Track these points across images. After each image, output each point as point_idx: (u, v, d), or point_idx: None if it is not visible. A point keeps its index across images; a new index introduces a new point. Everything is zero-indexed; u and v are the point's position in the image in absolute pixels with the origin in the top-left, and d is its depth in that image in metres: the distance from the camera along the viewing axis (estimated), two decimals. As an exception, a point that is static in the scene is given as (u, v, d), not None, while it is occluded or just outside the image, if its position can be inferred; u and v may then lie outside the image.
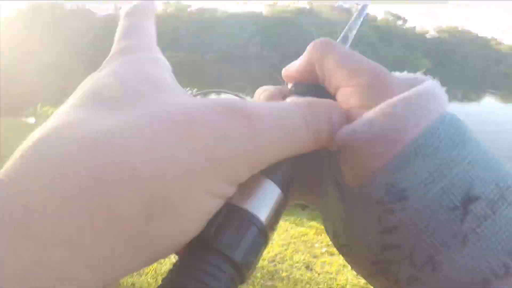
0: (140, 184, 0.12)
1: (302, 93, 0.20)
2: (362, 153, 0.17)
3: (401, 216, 0.15)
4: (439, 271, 0.15)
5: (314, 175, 0.21)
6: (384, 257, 0.16)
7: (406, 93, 0.16)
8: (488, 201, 0.15)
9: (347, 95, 0.18)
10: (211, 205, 0.15)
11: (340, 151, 0.18)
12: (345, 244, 0.19)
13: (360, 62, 0.18)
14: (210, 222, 0.14)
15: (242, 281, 0.15)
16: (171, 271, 0.14)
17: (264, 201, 0.15)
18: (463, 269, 0.15)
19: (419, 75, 0.20)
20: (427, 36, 34.96)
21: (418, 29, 36.61)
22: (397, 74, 0.21)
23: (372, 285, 0.18)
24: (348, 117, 0.18)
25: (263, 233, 0.15)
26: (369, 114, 0.16)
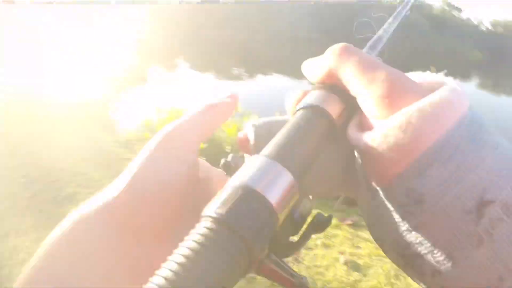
0: None
1: (327, 89, 0.21)
2: (380, 160, 0.18)
3: (420, 217, 0.17)
4: (458, 267, 0.16)
5: (353, 170, 0.22)
6: (410, 252, 0.17)
7: (421, 103, 0.17)
8: (502, 204, 0.15)
9: (365, 102, 0.19)
10: None
11: (363, 154, 0.19)
12: (377, 238, 0.20)
13: (377, 70, 0.19)
14: (223, 201, 0.15)
15: (252, 260, 0.14)
16: (181, 245, 0.14)
17: (275, 185, 0.16)
18: (480, 267, 0.15)
19: (440, 76, 0.20)
20: (482, 28, 35.02)
21: (473, 21, 36.29)
22: (418, 74, 0.21)
23: (405, 274, 0.20)
24: (367, 124, 0.19)
25: (273, 215, 0.15)
26: (385, 125, 0.17)
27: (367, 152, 0.18)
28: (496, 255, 0.15)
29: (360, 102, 0.19)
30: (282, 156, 0.17)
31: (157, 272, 0.13)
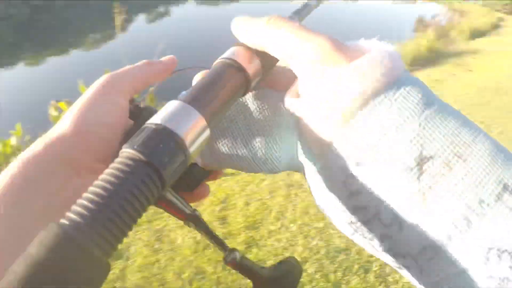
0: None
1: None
2: (316, 121, 0.18)
3: (361, 180, 0.16)
4: (405, 228, 0.16)
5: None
6: (356, 218, 0.17)
7: (371, 54, 0.17)
8: (442, 159, 0.15)
9: (305, 62, 0.18)
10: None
11: (299, 120, 0.19)
12: (324, 207, 0.20)
13: (315, 33, 0.19)
14: (139, 137, 0.15)
15: (163, 186, 0.15)
16: (102, 174, 0.15)
17: (186, 123, 0.17)
18: (427, 225, 0.15)
19: (374, 40, 0.20)
20: None
21: None
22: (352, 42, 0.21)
23: (357, 243, 0.19)
24: (304, 92, 0.19)
25: (182, 147, 0.16)
26: (340, 71, 0.17)
27: (309, 110, 0.18)
28: (442, 210, 0.15)
29: (296, 64, 0.19)
30: (194, 101, 0.18)
31: (78, 199, 0.13)
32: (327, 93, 0.17)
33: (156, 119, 0.17)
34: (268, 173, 0.24)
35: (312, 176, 0.20)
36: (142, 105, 0.25)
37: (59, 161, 0.21)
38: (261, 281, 0.24)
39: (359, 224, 0.18)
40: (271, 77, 0.24)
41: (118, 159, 0.15)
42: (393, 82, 0.17)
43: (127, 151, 0.15)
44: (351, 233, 0.19)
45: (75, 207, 0.13)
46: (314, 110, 0.18)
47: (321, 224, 1.95)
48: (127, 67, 0.25)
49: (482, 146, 0.16)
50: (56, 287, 0.11)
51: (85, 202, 0.13)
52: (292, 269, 0.25)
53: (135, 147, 0.15)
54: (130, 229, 0.14)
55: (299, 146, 0.22)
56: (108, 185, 0.13)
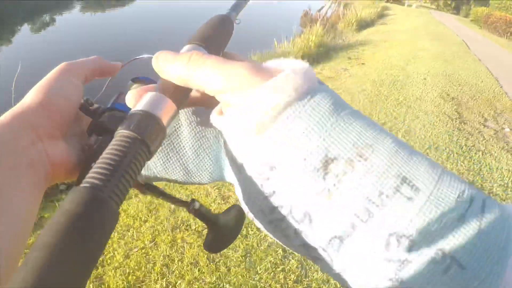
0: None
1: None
2: (236, 135, 0.20)
3: (276, 182, 0.18)
4: (314, 222, 0.18)
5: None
6: (274, 216, 0.19)
7: (282, 74, 0.19)
8: (345, 160, 0.17)
9: (227, 93, 0.20)
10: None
11: (223, 135, 0.22)
12: (249, 209, 0.22)
13: (231, 62, 0.20)
14: (130, 120, 0.19)
15: (150, 157, 0.19)
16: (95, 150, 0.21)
17: (160, 107, 0.20)
18: (333, 218, 0.17)
19: (285, 61, 0.21)
20: None
21: None
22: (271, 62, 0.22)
23: (279, 241, 0.21)
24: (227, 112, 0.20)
25: (160, 122, 0.20)
26: (255, 92, 0.19)
27: (230, 126, 0.20)
28: (345, 204, 0.17)
29: (221, 94, 0.20)
30: (165, 91, 0.21)
31: (92, 168, 0.16)
32: (244, 110, 0.19)
33: (140, 107, 0.20)
34: (198, 185, 0.29)
35: (237, 183, 0.23)
36: (93, 103, 0.29)
37: (25, 127, 0.23)
38: (214, 224, 0.31)
39: (277, 222, 0.20)
40: (202, 96, 0.25)
41: (119, 138, 0.18)
42: (304, 95, 0.19)
43: (124, 132, 0.18)
44: (272, 232, 0.21)
45: (93, 173, 0.16)
46: (234, 125, 0.20)
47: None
48: (81, 59, 0.29)
49: (383, 145, 0.18)
50: (88, 234, 0.14)
51: (100, 170, 0.16)
52: (238, 213, 0.32)
53: (131, 128, 0.19)
54: (130, 187, 0.17)
55: (225, 158, 0.26)
56: (115, 157, 0.17)
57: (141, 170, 0.19)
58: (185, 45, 0.24)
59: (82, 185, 0.16)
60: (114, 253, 1.90)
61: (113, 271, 1.76)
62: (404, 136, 3.05)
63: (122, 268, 1.80)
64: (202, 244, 1.88)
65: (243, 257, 1.81)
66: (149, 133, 0.19)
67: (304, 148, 0.18)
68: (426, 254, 0.16)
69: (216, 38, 0.25)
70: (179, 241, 1.94)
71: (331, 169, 0.17)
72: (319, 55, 5.74)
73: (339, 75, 4.79)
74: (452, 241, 0.16)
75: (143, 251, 1.90)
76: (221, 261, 1.79)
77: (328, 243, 0.18)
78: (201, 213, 0.29)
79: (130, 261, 1.84)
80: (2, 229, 0.20)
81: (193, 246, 1.89)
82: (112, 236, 1.96)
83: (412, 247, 0.16)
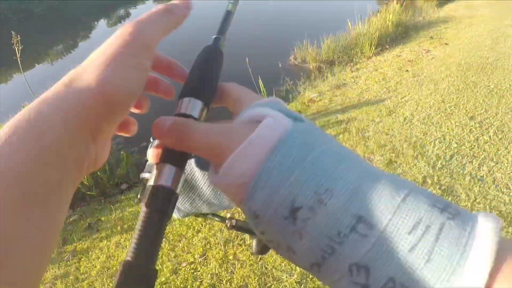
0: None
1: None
2: (227, 193, 0.24)
3: (260, 226, 0.22)
4: (296, 254, 0.22)
5: None
6: (271, 245, 0.24)
7: (237, 151, 0.22)
8: (308, 207, 0.20)
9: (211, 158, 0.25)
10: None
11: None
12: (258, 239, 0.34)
13: (208, 134, 0.24)
14: (148, 197, 0.23)
15: (169, 218, 0.24)
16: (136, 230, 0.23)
17: (169, 177, 0.24)
18: (306, 252, 0.21)
19: (266, 109, 0.24)
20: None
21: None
22: (253, 106, 0.26)
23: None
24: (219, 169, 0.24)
25: (173, 193, 0.24)
26: (217, 176, 0.23)
27: (221, 185, 0.24)
28: (314, 242, 0.20)
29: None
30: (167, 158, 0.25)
31: (128, 252, 0.21)
32: (227, 178, 0.23)
33: (155, 181, 0.24)
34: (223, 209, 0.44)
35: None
36: None
37: (84, 130, 0.23)
38: (253, 232, 0.42)
39: (275, 249, 0.24)
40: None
41: (146, 214, 0.23)
42: (272, 152, 0.22)
43: (147, 210, 0.23)
44: (280, 253, 0.24)
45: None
46: (223, 186, 0.24)
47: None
48: (147, 16, 0.26)
49: (342, 186, 0.20)
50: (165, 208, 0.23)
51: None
52: None
53: (152, 207, 0.23)
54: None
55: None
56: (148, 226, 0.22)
57: (164, 228, 0.23)
58: (182, 92, 0.28)
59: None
60: (162, 267, 1.86)
61: (159, 286, 1.73)
62: (496, 134, 2.54)
63: (168, 284, 1.76)
64: (253, 263, 1.76)
65: (298, 284, 1.63)
66: (166, 205, 0.23)
67: (276, 201, 0.21)
68: (380, 281, 0.19)
69: (209, 81, 0.29)
70: (230, 257, 1.85)
71: (297, 216, 0.20)
72: (397, 35, 5.20)
73: (420, 57, 4.27)
74: (401, 271, 0.18)
75: (191, 266, 1.85)
76: (273, 286, 1.64)
77: (310, 268, 0.22)
78: (239, 227, 0.40)
79: (177, 277, 1.79)
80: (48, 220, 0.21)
81: (244, 265, 1.78)
82: (162, 246, 1.94)
83: (369, 275, 0.19)
